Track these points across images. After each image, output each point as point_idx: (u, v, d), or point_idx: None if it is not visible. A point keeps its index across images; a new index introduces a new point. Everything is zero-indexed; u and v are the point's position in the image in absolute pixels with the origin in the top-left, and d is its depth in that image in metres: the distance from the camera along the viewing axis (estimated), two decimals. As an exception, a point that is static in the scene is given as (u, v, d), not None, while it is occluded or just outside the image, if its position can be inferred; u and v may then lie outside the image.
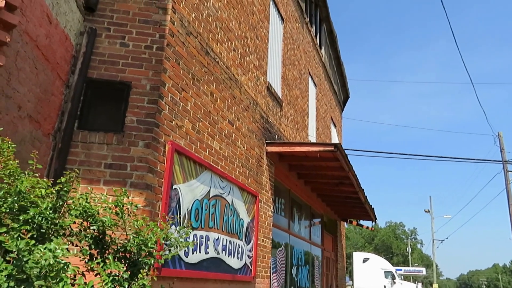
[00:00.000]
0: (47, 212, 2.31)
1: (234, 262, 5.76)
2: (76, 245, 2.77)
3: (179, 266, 4.43)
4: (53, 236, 2.60)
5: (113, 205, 2.76)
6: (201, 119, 5.18)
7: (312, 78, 11.87)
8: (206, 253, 5.04)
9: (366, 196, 10.57)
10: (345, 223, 15.33)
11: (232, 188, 5.90)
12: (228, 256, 5.62)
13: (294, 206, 9.63)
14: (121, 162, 4.06)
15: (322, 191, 10.62)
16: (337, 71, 15.98)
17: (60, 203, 2.72)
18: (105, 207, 2.75)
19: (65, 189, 3.03)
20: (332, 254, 13.34)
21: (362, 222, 15.67)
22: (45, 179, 2.57)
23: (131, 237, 2.73)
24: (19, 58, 3.21)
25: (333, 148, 7.00)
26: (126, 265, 2.66)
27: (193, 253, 4.72)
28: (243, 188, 6.24)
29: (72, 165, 3.99)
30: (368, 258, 32.27)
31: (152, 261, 2.76)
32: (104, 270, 2.42)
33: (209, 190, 5.22)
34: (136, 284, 2.48)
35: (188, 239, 4.56)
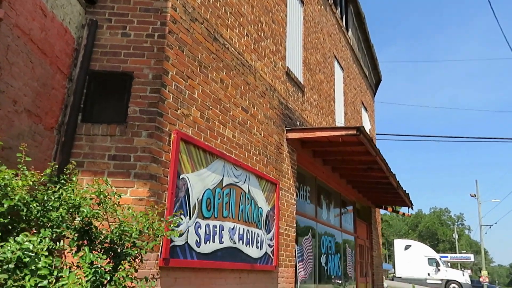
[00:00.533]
0: (23, 204, 2.27)
1: (253, 252, 5.65)
2: (68, 237, 2.74)
3: (190, 257, 4.37)
4: (42, 228, 2.58)
5: (95, 195, 2.68)
6: (211, 107, 5.06)
7: (338, 62, 11.46)
8: (221, 242, 4.95)
9: (398, 181, 10.12)
10: (380, 209, 14.84)
11: (248, 177, 5.77)
12: (246, 246, 5.51)
13: (321, 193, 9.38)
14: (125, 153, 4.02)
15: (351, 177, 10.28)
16: (367, 53, 15.38)
17: (49, 195, 2.69)
18: (85, 197, 2.68)
19: (62, 181, 3.02)
20: (366, 241, 12.96)
21: (398, 209, 15.12)
22: (27, 172, 2.54)
23: (113, 228, 2.66)
24: (10, 52, 3.20)
25: (355, 132, 6.68)
26: (111, 256, 2.59)
27: (205, 243, 4.65)
28: (261, 176, 6.09)
29: (76, 158, 3.99)
30: (410, 245, 31.31)
31: (136, 252, 2.68)
32: (86, 262, 2.36)
33: (222, 179, 5.12)
34: (116, 276, 2.40)
35: (193, 228, 4.49)
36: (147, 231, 2.78)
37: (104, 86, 4.28)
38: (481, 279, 34.87)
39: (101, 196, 2.72)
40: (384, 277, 16.87)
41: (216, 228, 4.90)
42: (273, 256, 6.19)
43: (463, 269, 38.70)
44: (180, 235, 4.24)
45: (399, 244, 31.99)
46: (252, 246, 5.67)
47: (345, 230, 10.98)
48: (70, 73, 4.18)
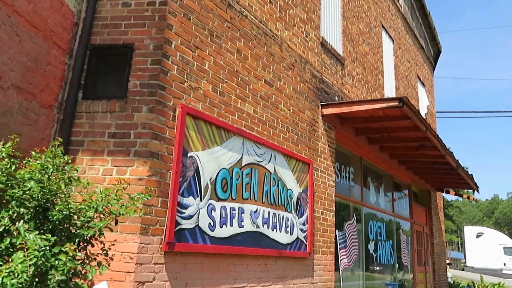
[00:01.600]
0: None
1: (281, 237, 5.20)
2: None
3: (202, 241, 4.03)
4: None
5: (38, 171, 2.38)
6: (226, 80, 4.65)
7: (387, 32, 10.49)
8: (241, 226, 4.56)
9: (457, 161, 9.05)
10: (442, 193, 13.60)
11: (274, 155, 5.30)
12: (273, 230, 5.08)
13: (368, 175, 8.64)
14: (125, 130, 3.75)
15: (402, 157, 9.38)
16: (423, 23, 14.02)
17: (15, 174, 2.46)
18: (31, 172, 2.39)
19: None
20: (425, 228, 11.92)
21: (462, 192, 13.77)
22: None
23: (62, 206, 2.35)
24: (-13, 23, 3.02)
25: (397, 103, 5.93)
26: (64, 237, 2.29)
27: (221, 227, 4.28)
28: (290, 155, 5.60)
29: (77, 137, 3.80)
30: (483, 233, 28.94)
31: (89, 233, 2.35)
32: (33, 243, 2.08)
33: (241, 157, 4.71)
34: (59, 257, 2.08)
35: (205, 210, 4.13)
36: (101, 209, 2.44)
37: (105, 60, 4.03)
38: None
39: (46, 170, 2.41)
40: (448, 266, 15.59)
41: (235, 211, 4.52)
42: (306, 241, 5.69)
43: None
44: (189, 217, 3.91)
45: (470, 231, 29.71)
46: (280, 231, 5.22)
47: (399, 215, 10.12)
48: (70, 49, 3.98)
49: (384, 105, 6.07)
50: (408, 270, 10.27)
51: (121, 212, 2.50)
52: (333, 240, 6.50)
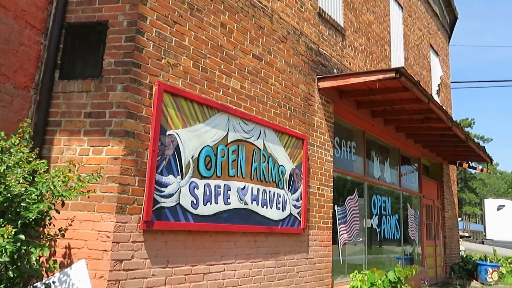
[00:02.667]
0: None
1: (272, 213, 5.17)
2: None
3: (185, 219, 4.03)
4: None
5: None
6: (209, 55, 4.53)
7: (395, -1, 10.04)
8: (227, 204, 4.54)
9: (466, 132, 8.74)
10: (454, 166, 13.25)
11: (264, 132, 5.21)
12: (263, 207, 5.05)
13: (372, 149, 8.46)
14: (100, 109, 3.72)
15: (409, 130, 9.12)
16: (438, -12, 13.35)
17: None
18: None
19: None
20: (435, 201, 11.70)
21: (476, 165, 13.40)
22: None
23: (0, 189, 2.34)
24: None
25: (394, 74, 5.69)
26: (10, 220, 2.29)
27: (205, 204, 4.27)
28: (282, 130, 5.49)
29: (54, 117, 3.79)
30: (504, 205, 28.33)
31: (30, 216, 2.34)
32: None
33: (226, 134, 4.64)
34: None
35: (189, 189, 4.11)
36: (45, 192, 2.43)
37: (81, 39, 3.97)
38: None
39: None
40: (461, 239, 15.38)
41: (220, 188, 4.49)
42: (300, 218, 5.65)
43: None
44: (170, 195, 3.90)
45: (490, 204, 29.13)
46: (271, 207, 5.18)
47: (406, 189, 9.94)
48: (45, 28, 3.93)
49: (380, 76, 5.85)
50: (416, 244, 10.16)
51: (63, 194, 2.48)
52: (331, 215, 6.43)
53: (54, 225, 2.77)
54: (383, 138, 8.83)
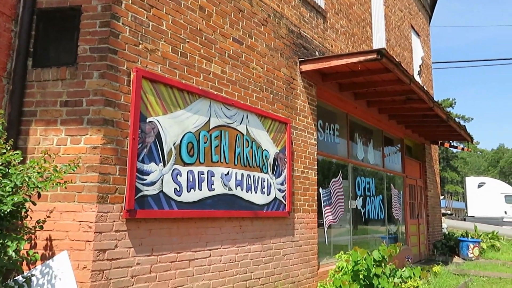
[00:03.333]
0: None
1: (257, 198, 5.17)
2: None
3: (168, 206, 4.00)
4: None
5: None
6: (188, 40, 4.44)
7: (375, -20, 9.98)
8: (211, 190, 4.52)
9: (447, 112, 8.86)
10: (437, 146, 13.48)
11: (247, 116, 5.17)
12: (247, 192, 5.04)
13: (355, 131, 8.51)
14: (77, 98, 3.62)
15: (392, 111, 9.19)
16: (418, -32, 13.33)
17: None
18: None
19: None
20: (418, 181, 11.90)
21: (457, 144, 13.63)
22: None
23: None
24: None
25: (376, 56, 5.69)
26: None
27: (189, 191, 4.24)
28: (264, 115, 5.46)
29: (29, 107, 3.68)
30: (484, 183, 29.06)
31: (7, 208, 2.29)
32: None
33: (208, 120, 4.59)
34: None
35: (172, 177, 4.07)
36: (20, 184, 2.37)
37: (53, 25, 3.83)
38: None
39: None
40: (443, 217, 15.75)
41: (204, 174, 4.45)
42: (285, 201, 5.67)
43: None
44: (152, 183, 3.86)
45: (471, 181, 29.82)
46: (256, 192, 5.18)
47: (390, 170, 10.07)
48: (16, 14, 3.78)
49: (362, 58, 5.84)
50: (400, 223, 10.36)
51: (39, 186, 2.42)
52: (316, 198, 6.48)
53: (31, 218, 2.70)
54: (366, 120, 8.89)
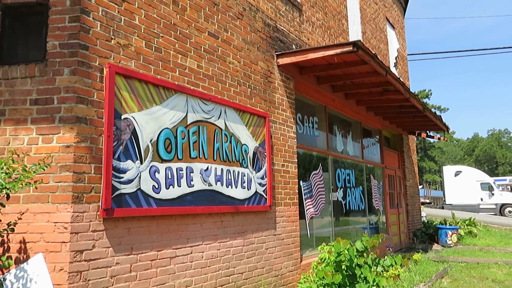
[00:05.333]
0: None
1: (237, 193, 5.14)
2: None
3: (147, 204, 3.93)
4: None
5: None
6: (162, 34, 4.36)
7: (350, -27, 10.03)
8: (190, 186, 4.47)
9: (423, 103, 9.01)
10: (414, 136, 13.72)
11: (225, 111, 5.13)
12: (228, 187, 5.01)
13: (334, 123, 8.57)
14: (47, 95, 3.51)
15: (369, 103, 9.29)
16: (392, -39, 13.47)
17: None
18: None
19: None
20: (397, 171, 12.10)
21: (433, 134, 13.91)
22: None
23: None
24: None
25: (352, 48, 5.72)
26: None
27: (168, 188, 4.18)
28: (243, 109, 5.43)
29: (-3, 107, 3.55)
30: (461, 171, 29.76)
31: None
32: None
33: (186, 116, 4.53)
34: None
35: (150, 173, 4.00)
36: None
37: (20, 20, 3.71)
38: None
39: None
40: (422, 206, 16.08)
41: (182, 171, 4.40)
42: (266, 195, 5.67)
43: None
44: (129, 181, 3.78)
45: (448, 170, 30.50)
46: (236, 187, 5.15)
47: (369, 161, 10.20)
48: (-21, 11, 3.63)
49: (338, 50, 5.86)
50: (380, 213, 10.51)
51: (7, 187, 2.34)
52: (297, 191, 6.50)
53: (0, 220, 2.61)
54: (344, 112, 8.96)
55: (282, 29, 6.72)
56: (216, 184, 4.83)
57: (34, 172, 2.54)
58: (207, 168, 4.74)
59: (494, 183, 29.03)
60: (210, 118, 4.89)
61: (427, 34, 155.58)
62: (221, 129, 5.04)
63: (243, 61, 5.63)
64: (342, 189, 8.46)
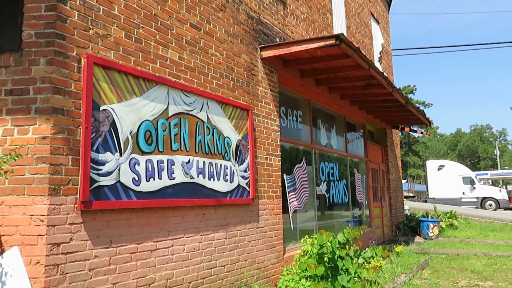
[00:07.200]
0: None
1: (219, 185, 5.13)
2: None
3: (126, 197, 3.89)
4: None
5: None
6: (142, 25, 4.30)
7: (335, -33, 10.03)
8: (171, 178, 4.44)
9: (406, 97, 9.11)
10: (398, 130, 13.88)
11: (207, 103, 5.10)
12: (210, 179, 4.99)
13: (318, 117, 8.60)
14: (23, 86, 3.44)
15: (353, 97, 9.35)
16: (376, -44, 13.53)
17: None
18: None
19: None
20: (381, 165, 12.24)
21: (417, 128, 14.09)
22: None
23: None
24: None
25: (335, 41, 5.73)
26: None
27: (148, 181, 4.14)
28: (225, 102, 5.40)
29: (-30, 97, 3.46)
30: (443, 166, 30.28)
31: None
32: None
33: (167, 108, 4.48)
34: None
35: (131, 165, 3.96)
36: None
37: (-6, 9, 3.60)
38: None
39: None
40: (405, 199, 16.32)
41: (163, 163, 4.36)
42: (249, 188, 5.67)
43: (500, 186, 37.41)
44: (108, 174, 3.74)
45: (431, 164, 31.00)
46: (219, 180, 5.14)
47: (353, 155, 10.28)
48: (-49, -2, 3.53)
49: (321, 44, 5.87)
50: (364, 206, 10.62)
51: None
52: (280, 184, 6.51)
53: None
54: (328, 106, 9.00)
55: (266, 22, 6.70)
56: (198, 177, 4.81)
57: (4, 162, 2.48)
58: (189, 160, 4.71)
59: (475, 177, 29.63)
60: (192, 110, 4.86)
61: (413, 29, 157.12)
62: (203, 122, 5.01)
63: (226, 54, 5.60)
64: (326, 182, 8.51)
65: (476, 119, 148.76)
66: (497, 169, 60.24)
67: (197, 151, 4.85)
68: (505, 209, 27.75)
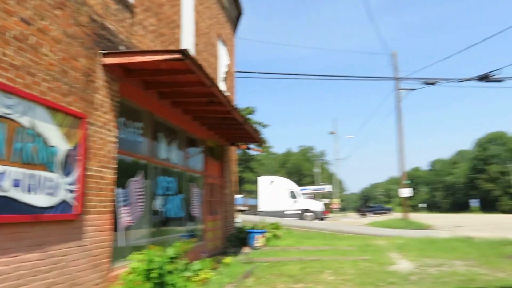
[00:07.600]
0: None
1: (38, 200, 4.60)
2: None
3: None
4: None
5: None
6: (-48, 9, 3.62)
7: (187, -15, 10.24)
8: (-23, 192, 3.80)
9: (244, 116, 9.81)
10: (235, 148, 14.79)
11: (32, 108, 4.56)
12: (28, 193, 4.45)
13: (159, 130, 8.54)
14: None
15: (195, 113, 9.62)
16: (228, -18, 14.34)
17: None
18: None
19: None
20: (217, 180, 12.81)
21: (252, 145, 15.29)
22: None
23: None
24: None
25: (180, 56, 5.83)
26: None
27: None
28: (56, 107, 4.92)
29: None
30: (273, 181, 33.47)
31: None
32: None
33: (-22, 109, 3.85)
34: None
35: None
36: None
37: None
38: (332, 206, 39.42)
39: None
40: (239, 213, 17.39)
41: (-33, 173, 3.71)
42: (75, 203, 5.24)
43: (319, 199, 43.20)
44: None
45: (262, 180, 33.89)
46: (39, 193, 4.62)
47: (192, 169, 10.50)
48: None
49: (167, 57, 5.89)
50: (199, 220, 10.90)
51: None
52: (112, 199, 6.21)
53: None
54: (171, 120, 9.03)
55: (110, 28, 6.39)
56: (12, 190, 4.23)
57: None
58: (3, 171, 4.12)
59: (299, 191, 33.60)
60: (12, 114, 4.28)
61: (261, 56, 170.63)
62: (25, 128, 4.46)
63: (62, 55, 5.13)
64: (162, 196, 8.46)
65: (303, 140, 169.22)
66: (317, 185, 69.31)
67: (15, 160, 4.27)
68: (321, 219, 32.21)
